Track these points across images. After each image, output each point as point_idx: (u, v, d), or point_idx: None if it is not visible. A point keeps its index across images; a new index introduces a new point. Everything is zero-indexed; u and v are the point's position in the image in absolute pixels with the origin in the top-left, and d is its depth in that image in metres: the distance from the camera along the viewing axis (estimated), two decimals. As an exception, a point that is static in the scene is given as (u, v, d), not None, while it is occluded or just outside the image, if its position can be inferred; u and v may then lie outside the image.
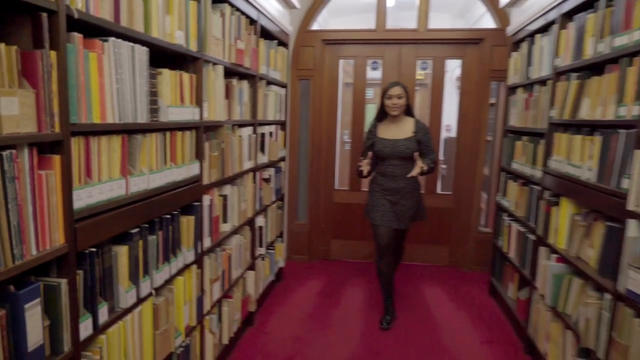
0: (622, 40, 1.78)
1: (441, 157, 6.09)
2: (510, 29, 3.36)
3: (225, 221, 2.39)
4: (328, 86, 4.18)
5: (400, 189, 2.95)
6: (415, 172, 2.82)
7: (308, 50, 4.09)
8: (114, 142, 1.39)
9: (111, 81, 1.35)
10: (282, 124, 3.66)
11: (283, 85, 3.65)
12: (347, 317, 3.18)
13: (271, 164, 3.31)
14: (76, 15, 1.15)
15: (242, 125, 2.65)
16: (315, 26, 4.22)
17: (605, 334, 1.83)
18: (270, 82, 3.26)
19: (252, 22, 2.75)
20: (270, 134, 3.24)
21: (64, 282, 1.17)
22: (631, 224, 1.66)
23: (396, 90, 2.90)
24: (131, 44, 1.44)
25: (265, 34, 3.10)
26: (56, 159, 1.14)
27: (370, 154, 2.89)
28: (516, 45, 3.29)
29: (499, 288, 3.47)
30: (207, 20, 2.01)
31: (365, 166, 2.87)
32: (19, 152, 1.02)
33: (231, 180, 2.45)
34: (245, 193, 2.68)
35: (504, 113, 3.53)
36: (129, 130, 1.47)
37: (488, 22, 4.06)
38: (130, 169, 1.48)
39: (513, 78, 3.29)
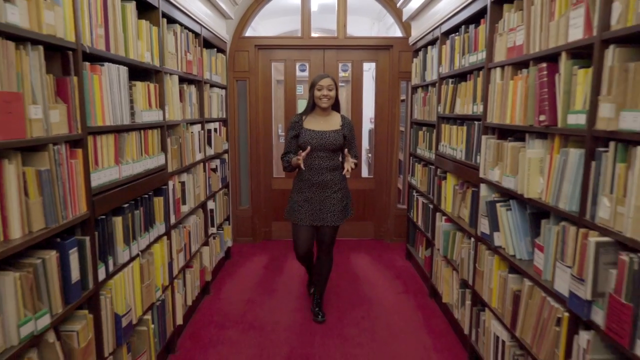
0: (473, 58, 2.52)
1: (367, 146, 6.88)
2: (411, 39, 4.10)
3: (184, 203, 2.89)
4: (263, 86, 4.73)
5: (328, 182, 2.89)
6: (347, 167, 2.78)
7: (243, 54, 4.61)
8: (110, 139, 1.87)
9: (107, 94, 1.83)
10: (224, 121, 4.16)
11: (223, 87, 4.15)
12: (288, 283, 3.77)
13: (217, 156, 3.82)
14: (88, 51, 1.64)
15: (193, 123, 3.14)
16: (248, 32, 4.73)
17: (472, 266, 2.57)
18: (212, 85, 3.75)
19: (197, 35, 3.24)
20: (215, 129, 3.74)
21: (87, 239, 1.65)
22: (482, 187, 2.39)
23: (327, 82, 2.84)
24: (117, 65, 1.92)
25: (207, 44, 3.58)
26: (79, 151, 1.62)
27: (309, 148, 2.80)
28: (416, 52, 4.05)
29: (412, 252, 4.24)
30: (164, 40, 2.50)
31: (302, 159, 2.76)
32: (60, 147, 1.50)
33: (187, 169, 2.95)
34: (198, 180, 3.19)
35: (410, 108, 4.29)
36: (118, 130, 1.95)
37: (397, 30, 4.80)
38: (120, 159, 1.97)
39: (415, 80, 4.05)
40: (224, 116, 4.17)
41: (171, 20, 2.67)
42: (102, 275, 1.77)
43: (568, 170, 1.59)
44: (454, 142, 2.94)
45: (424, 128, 3.77)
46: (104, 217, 1.79)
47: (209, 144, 3.56)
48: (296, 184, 2.99)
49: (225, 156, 4.19)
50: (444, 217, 3.15)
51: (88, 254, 1.66)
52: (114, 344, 1.87)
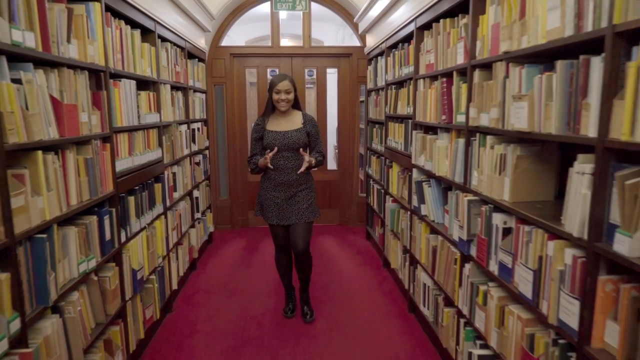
0: (406, 70, 3.20)
1: (335, 142, 7.55)
2: (366, 49, 4.78)
3: (175, 190, 3.47)
4: (238, 90, 5.32)
5: (293, 182, 2.90)
6: (303, 167, 2.85)
7: (220, 62, 5.19)
8: (125, 136, 2.46)
9: (123, 102, 2.41)
10: (205, 121, 4.74)
11: (203, 92, 4.73)
12: (263, 261, 4.39)
13: (199, 152, 4.40)
14: (112, 72, 2.22)
15: (181, 123, 3.72)
16: (224, 42, 5.31)
17: (409, 234, 3.26)
18: (195, 90, 4.33)
19: (182, 49, 3.81)
20: (198, 129, 4.32)
21: (114, 210, 2.24)
22: (414, 171, 3.08)
23: (285, 85, 2.82)
24: (129, 80, 2.50)
25: (189, 55, 4.16)
26: (108, 145, 2.20)
27: (276, 149, 2.85)
28: (370, 61, 4.73)
29: (371, 233, 4.93)
30: (160, 57, 3.08)
31: (270, 159, 2.84)
32: (97, 141, 2.09)
33: (177, 162, 3.53)
34: (185, 172, 3.77)
35: (366, 108, 4.97)
36: (130, 129, 2.53)
37: (356, 39, 5.46)
38: (132, 152, 2.55)
39: (369, 84, 4.73)
40: (205, 117, 4.75)
41: (163, 39, 3.25)
42: (123, 238, 2.36)
43: (459, 154, 2.28)
44: (396, 136, 3.63)
45: (377, 125, 4.45)
46: (123, 195, 2.38)
47: (194, 141, 4.14)
48: (263, 183, 3.02)
49: (207, 152, 4.77)
50: (390, 199, 3.83)
51: (114, 221, 2.25)
52: (132, 292, 2.46)
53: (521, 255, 1.69)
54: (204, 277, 3.95)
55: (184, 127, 3.78)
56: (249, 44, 7.65)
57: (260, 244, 4.89)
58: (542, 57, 1.64)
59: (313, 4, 5.05)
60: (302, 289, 3.23)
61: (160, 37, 3.11)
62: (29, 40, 1.54)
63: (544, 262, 1.53)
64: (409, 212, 3.27)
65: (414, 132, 3.04)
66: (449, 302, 2.50)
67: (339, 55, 5.31)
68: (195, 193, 4.13)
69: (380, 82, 4.19)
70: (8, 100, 1.41)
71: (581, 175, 1.32)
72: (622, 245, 1.16)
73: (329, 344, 2.84)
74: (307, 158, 2.86)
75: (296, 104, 2.99)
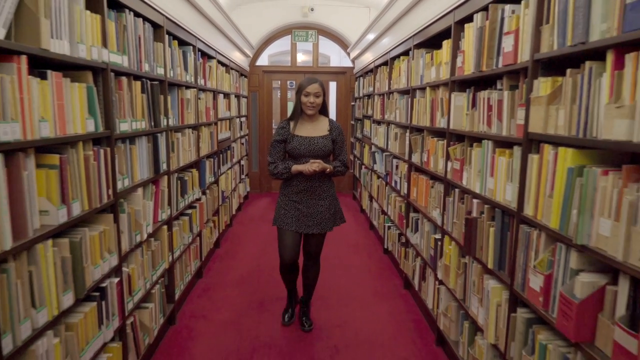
0: (370, 89, 5.55)
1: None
2: (355, 70, 7.12)
3: (234, 157, 5.86)
4: (266, 96, 7.70)
5: (316, 188, 2.83)
6: (325, 166, 2.73)
7: (255, 76, 7.57)
8: (220, 123, 4.84)
9: (219, 105, 4.80)
10: (246, 117, 7.13)
11: (245, 97, 7.12)
12: (283, 207, 6.76)
13: (243, 136, 6.78)
14: (217, 91, 4.61)
15: (237, 117, 6.11)
16: (258, 62, 7.69)
17: (370, 184, 5.60)
18: (243, 97, 6.72)
19: (237, 71, 6.20)
20: (243, 121, 6.71)
21: (216, 158, 4.61)
22: (372, 147, 5.41)
23: (314, 88, 2.75)
24: (221, 93, 4.88)
25: (240, 74, 6.55)
26: (216, 127, 4.59)
27: (320, 161, 2.73)
28: (357, 78, 7.08)
29: (356, 195, 7.28)
30: (231, 79, 5.46)
31: (314, 168, 2.69)
32: (213, 124, 4.47)
33: (235, 140, 5.92)
34: (238, 148, 6.16)
35: (354, 110, 7.32)
36: (221, 119, 4.91)
37: (349, 61, 7.79)
38: (222, 130, 4.93)
39: (356, 94, 7.08)
40: (246, 114, 7.15)
41: (231, 68, 5.63)
42: (218, 174, 4.74)
43: (385, 134, 4.62)
44: (367, 128, 5.97)
45: (359, 122, 6.80)
46: (220, 152, 4.76)
47: (241, 128, 6.53)
48: (284, 189, 2.92)
49: (247, 137, 7.17)
50: (363, 166, 6.19)
51: (216, 164, 4.62)
52: (222, 201, 4.83)
53: (400, 174, 4.03)
54: (246, 214, 6.35)
55: (238, 120, 6.17)
56: (271, 57, 10.06)
57: (280, 200, 7.28)
58: (403, 92, 3.96)
59: (320, 36, 7.41)
60: (304, 299, 3.15)
61: (231, 68, 5.49)
62: (202, 81, 3.92)
63: (404, 174, 3.87)
64: (370, 171, 5.61)
65: (372, 125, 5.38)
66: (383, 212, 4.83)
67: (337, 73, 7.67)
68: (242, 162, 6.52)
69: (361, 94, 6.53)
70: (199, 105, 3.79)
71: (407, 136, 3.66)
72: (414, 158, 3.50)
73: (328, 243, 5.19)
74: (328, 165, 2.79)
75: (323, 110, 2.91)
